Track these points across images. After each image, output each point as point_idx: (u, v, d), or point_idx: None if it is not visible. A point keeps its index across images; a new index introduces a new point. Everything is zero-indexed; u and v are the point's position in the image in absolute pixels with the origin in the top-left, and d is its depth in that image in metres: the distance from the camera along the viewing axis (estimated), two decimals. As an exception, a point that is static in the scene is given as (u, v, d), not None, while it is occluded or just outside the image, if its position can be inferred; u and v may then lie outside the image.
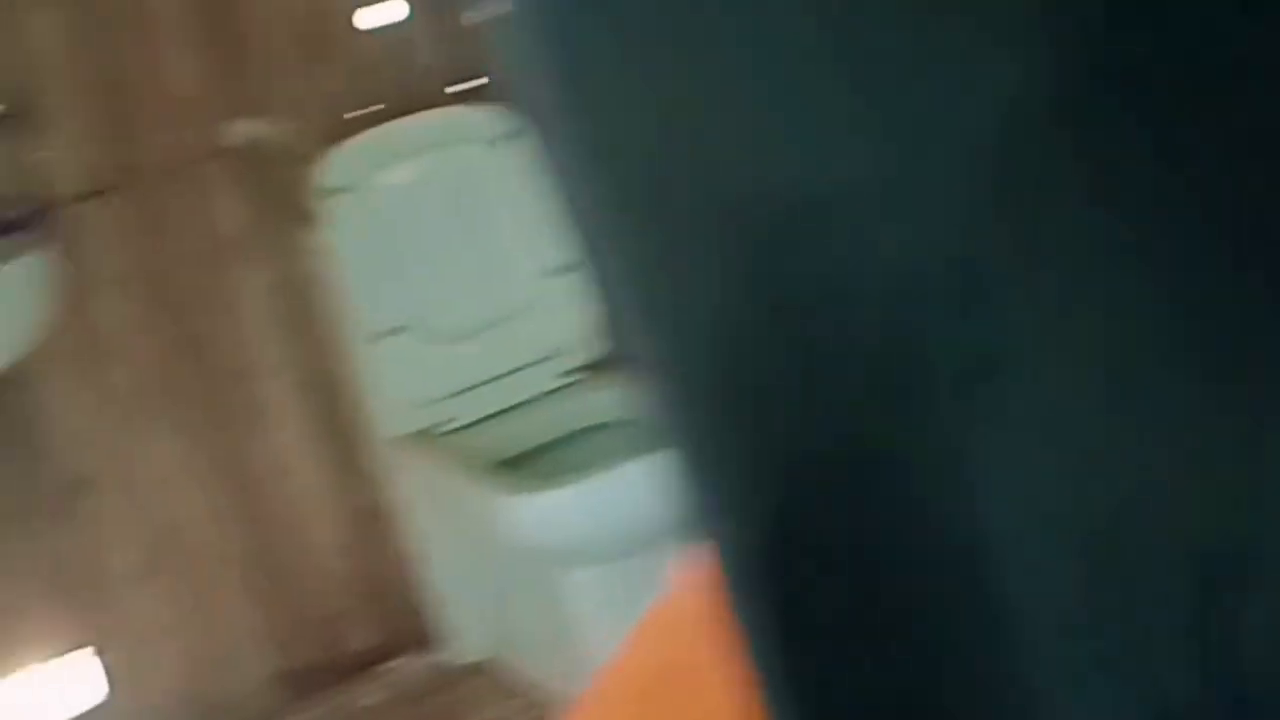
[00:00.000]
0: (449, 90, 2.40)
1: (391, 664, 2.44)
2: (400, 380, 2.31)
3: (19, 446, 2.22)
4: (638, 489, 1.98)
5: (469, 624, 2.40)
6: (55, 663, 2.22)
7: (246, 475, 2.37)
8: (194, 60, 2.28)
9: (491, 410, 2.33)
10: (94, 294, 2.25)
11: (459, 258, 2.34)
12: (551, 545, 2.06)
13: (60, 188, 2.22)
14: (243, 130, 2.32)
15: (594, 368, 2.37)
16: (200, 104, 2.30)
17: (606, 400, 2.29)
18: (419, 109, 2.34)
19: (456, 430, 2.30)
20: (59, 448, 2.24)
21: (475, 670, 2.38)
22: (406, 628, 2.44)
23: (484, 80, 2.32)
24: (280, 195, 2.32)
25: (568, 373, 2.38)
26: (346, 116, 2.35)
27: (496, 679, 2.35)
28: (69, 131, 2.22)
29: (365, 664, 2.43)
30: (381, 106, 2.35)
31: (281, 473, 2.39)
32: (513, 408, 2.34)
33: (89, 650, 2.24)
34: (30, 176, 2.20)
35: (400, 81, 2.38)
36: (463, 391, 2.32)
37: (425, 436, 2.30)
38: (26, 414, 2.22)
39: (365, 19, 2.41)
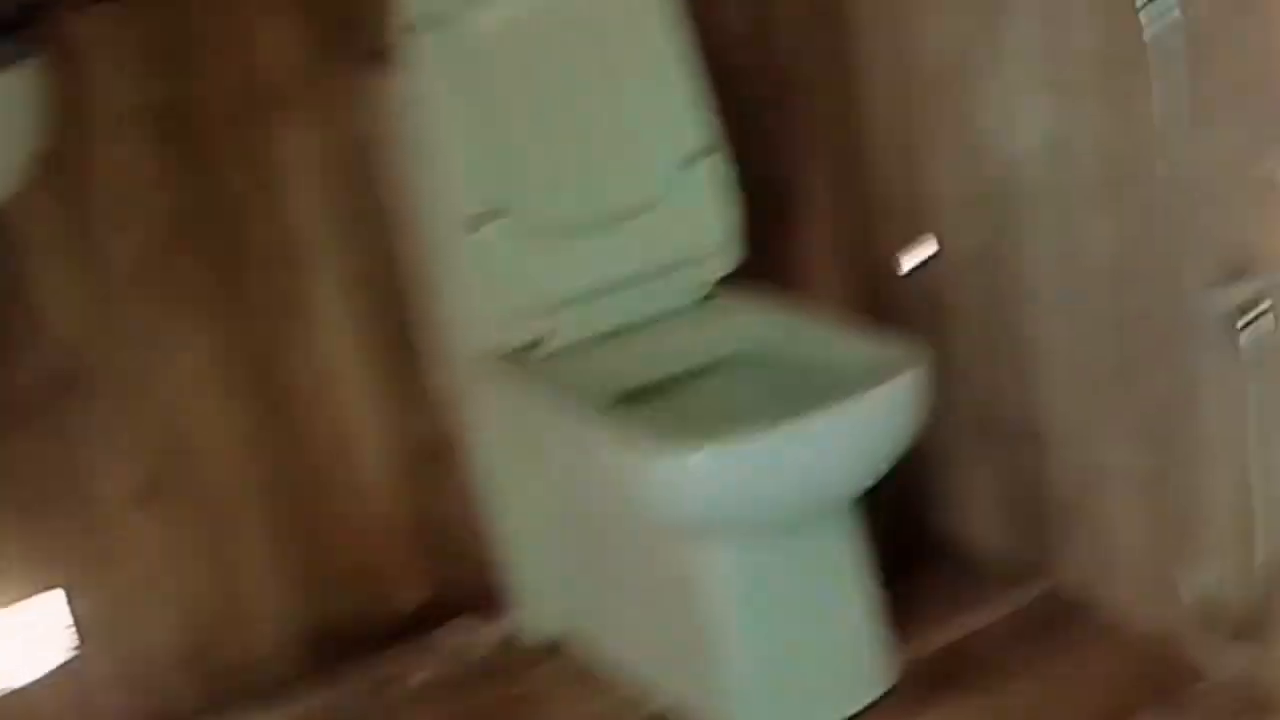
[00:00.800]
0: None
1: (444, 632, 2.29)
2: (489, 282, 2.13)
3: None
4: (795, 451, 1.84)
5: (546, 592, 2.27)
6: (20, 606, 2.10)
7: (279, 387, 2.24)
8: None
9: (606, 328, 2.16)
10: (97, 133, 2.08)
11: (577, 125, 2.16)
12: (682, 514, 1.88)
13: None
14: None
15: (739, 281, 2.21)
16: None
17: (755, 324, 2.13)
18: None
19: (558, 350, 2.13)
20: (42, 329, 2.10)
21: (550, 650, 2.25)
22: (466, 590, 2.32)
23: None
24: (345, 28, 2.15)
25: (705, 286, 2.21)
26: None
27: (578, 664, 2.21)
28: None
29: (412, 630, 2.30)
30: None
31: (324, 387, 2.26)
32: (634, 326, 2.16)
33: (59, 592, 2.13)
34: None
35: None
36: (570, 301, 2.14)
37: (515, 356, 2.13)
38: (6, 281, 2.07)
39: None
